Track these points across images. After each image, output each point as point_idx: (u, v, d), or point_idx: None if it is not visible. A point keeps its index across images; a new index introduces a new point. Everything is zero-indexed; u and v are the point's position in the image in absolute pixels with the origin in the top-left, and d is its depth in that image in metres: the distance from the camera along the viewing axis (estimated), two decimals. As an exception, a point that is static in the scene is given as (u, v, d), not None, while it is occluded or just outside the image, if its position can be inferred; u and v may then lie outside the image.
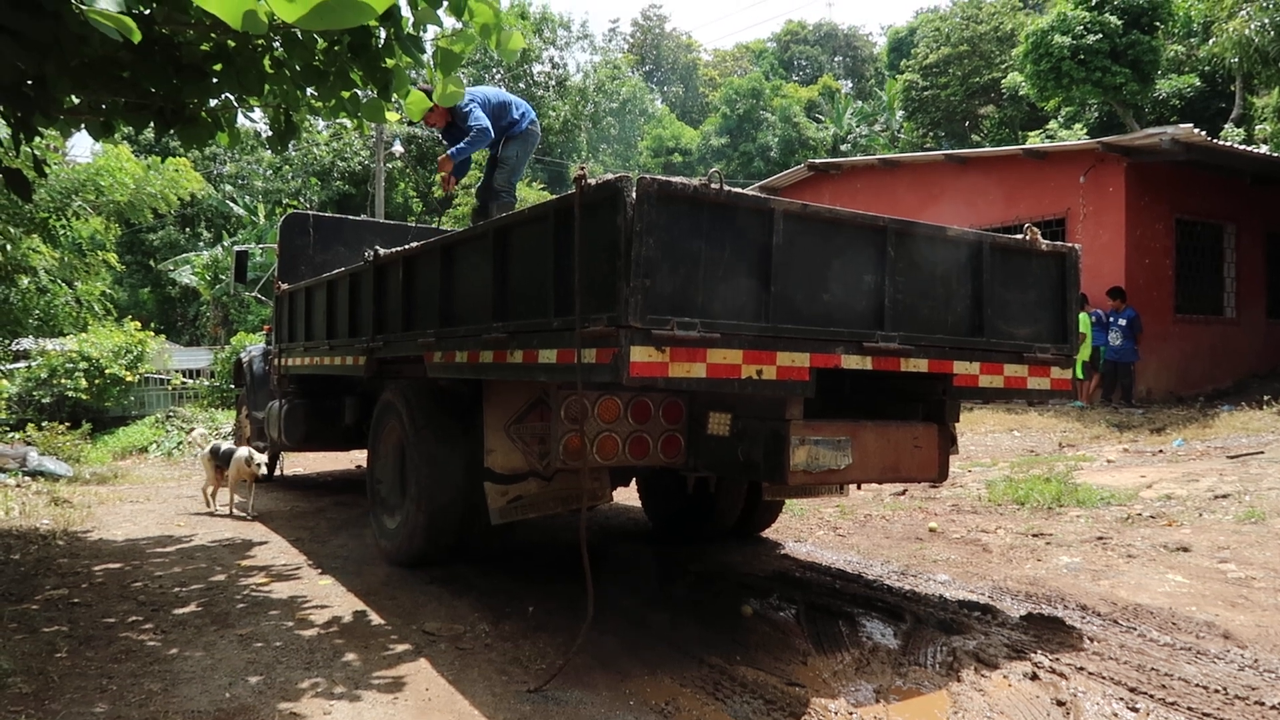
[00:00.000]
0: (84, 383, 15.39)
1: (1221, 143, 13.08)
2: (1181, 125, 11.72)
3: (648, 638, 3.93)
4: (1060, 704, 3.18)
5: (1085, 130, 21.67)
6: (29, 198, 4.17)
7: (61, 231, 8.98)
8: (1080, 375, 11.61)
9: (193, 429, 14.82)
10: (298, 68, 3.81)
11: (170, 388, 18.81)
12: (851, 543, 6.04)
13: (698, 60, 58.28)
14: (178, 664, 3.57)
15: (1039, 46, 19.62)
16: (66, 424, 13.25)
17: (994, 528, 6.30)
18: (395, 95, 4.00)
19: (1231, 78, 20.17)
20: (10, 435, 12.33)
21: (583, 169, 3.28)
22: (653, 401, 4.09)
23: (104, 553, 5.83)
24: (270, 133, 4.50)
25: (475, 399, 4.55)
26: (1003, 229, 11.65)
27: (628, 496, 6.73)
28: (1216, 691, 3.26)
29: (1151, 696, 3.22)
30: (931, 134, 32.36)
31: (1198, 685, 3.32)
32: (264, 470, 6.90)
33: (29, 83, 3.31)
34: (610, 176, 3.07)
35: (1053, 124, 22.89)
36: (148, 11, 3.25)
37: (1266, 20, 14.73)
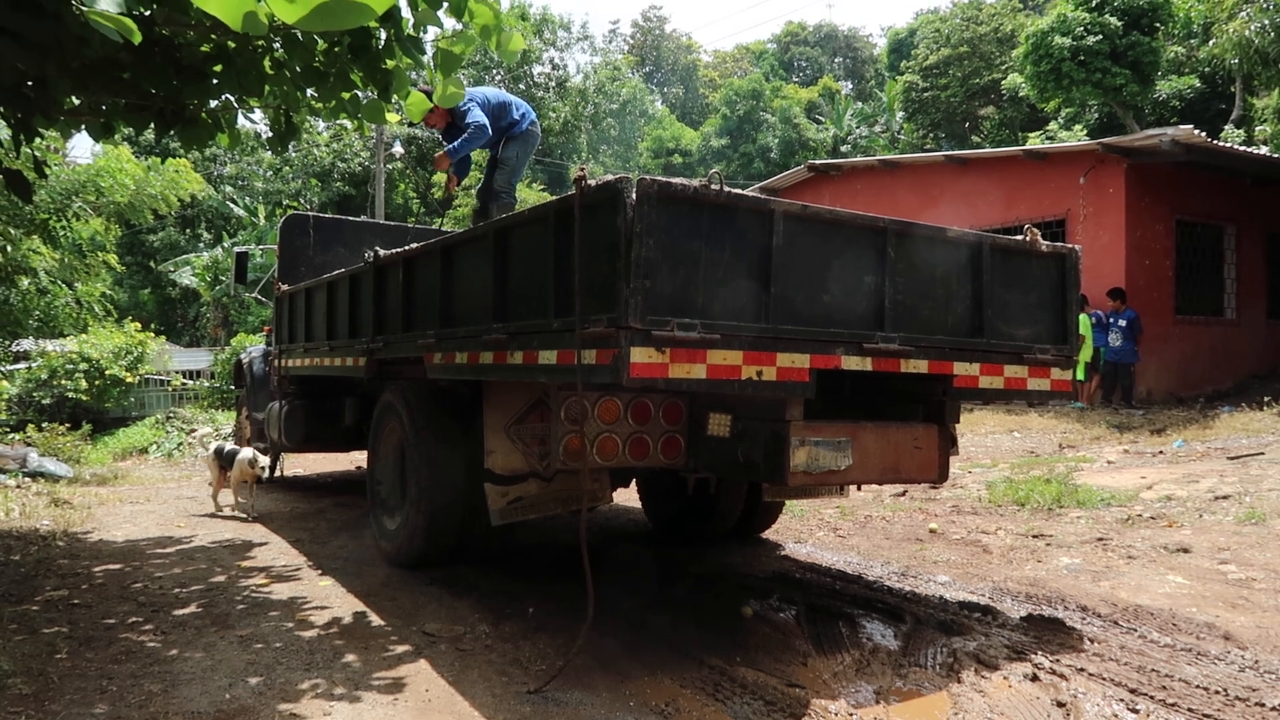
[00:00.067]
0: (84, 384, 15.39)
1: (1222, 144, 13.08)
2: (1181, 126, 11.72)
3: (648, 639, 3.93)
4: (1060, 705, 3.17)
5: (1085, 131, 21.67)
6: (29, 199, 4.17)
7: (62, 232, 8.99)
8: (1081, 376, 11.61)
9: (194, 430, 14.81)
10: (298, 69, 3.81)
11: (170, 389, 18.82)
12: (852, 544, 6.03)
13: (698, 61, 58.32)
14: (178, 665, 3.57)
15: (1039, 48, 19.62)
16: (66, 425, 13.25)
17: (994, 529, 6.30)
18: (395, 96, 4.00)
19: (1231, 79, 20.18)
20: (10, 436, 12.33)
21: (583, 170, 3.28)
22: (653, 402, 4.09)
23: (104, 554, 5.83)
24: (270, 134, 4.50)
25: (475, 400, 4.55)
26: (1003, 230, 11.65)
27: (628, 497, 6.72)
28: (1217, 693, 3.26)
29: (1152, 698, 3.22)
30: (931, 135, 32.36)
31: (1198, 686, 3.32)
32: (266, 472, 6.89)
33: (29, 84, 3.31)
34: (610, 177, 3.07)
35: (1053, 125, 22.89)
36: (148, 13, 3.25)
37: (1266, 21, 14.74)
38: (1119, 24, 19.12)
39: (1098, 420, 11.20)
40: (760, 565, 5.37)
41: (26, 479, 9.60)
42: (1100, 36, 18.98)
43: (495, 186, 6.91)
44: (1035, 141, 20.32)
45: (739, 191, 3.39)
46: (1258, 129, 18.93)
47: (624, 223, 2.97)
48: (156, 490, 9.35)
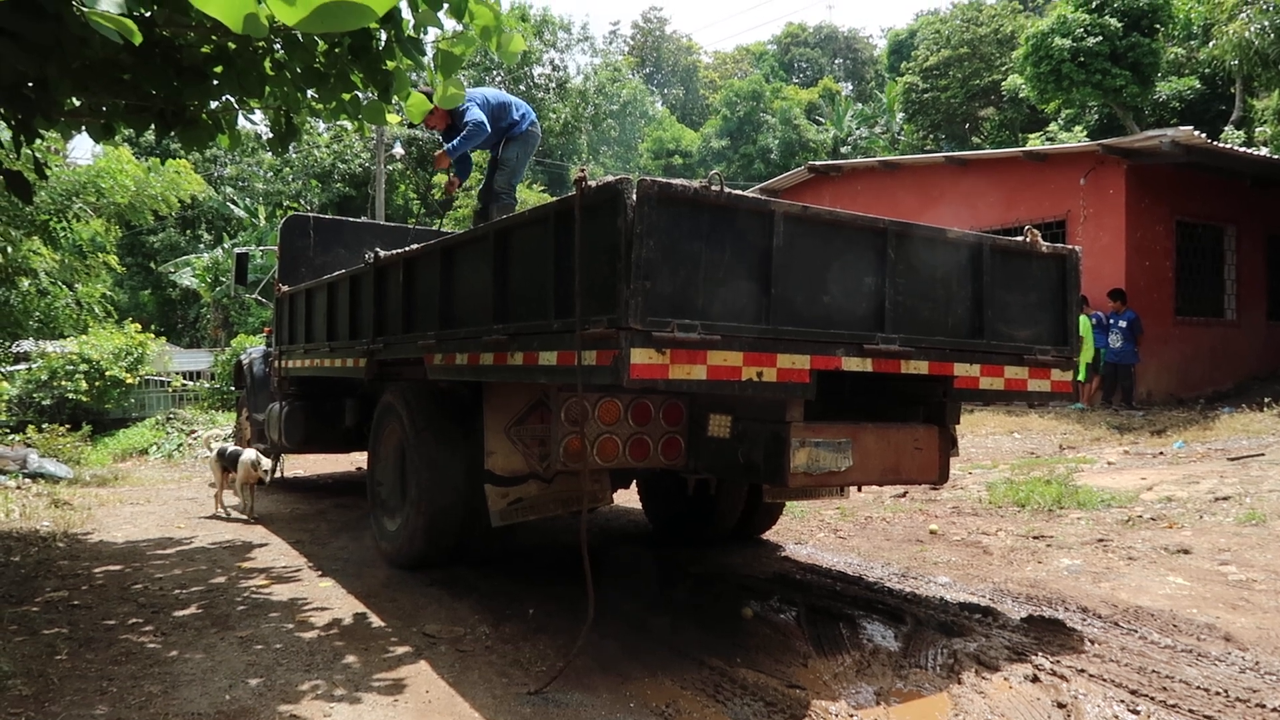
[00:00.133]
0: (84, 385, 15.40)
1: (1222, 145, 13.08)
2: (1181, 127, 11.72)
3: (648, 640, 3.92)
4: (1061, 706, 3.17)
5: (1085, 132, 21.67)
6: (29, 200, 4.17)
7: (62, 233, 8.98)
8: (1081, 377, 11.61)
9: (194, 431, 14.81)
10: (298, 70, 3.81)
11: (170, 390, 18.82)
12: (852, 545, 6.03)
13: (698, 62, 58.32)
14: (178, 666, 3.57)
15: (1039, 49, 19.62)
16: (67, 426, 13.26)
17: (994, 530, 6.30)
18: (396, 97, 4.00)
19: (1231, 80, 20.18)
20: (10, 437, 12.33)
21: (583, 171, 3.28)
22: (653, 403, 4.09)
23: (104, 555, 5.83)
24: (271, 135, 4.50)
25: (476, 401, 4.55)
26: (1003, 231, 11.65)
27: (628, 499, 6.72)
28: (1217, 694, 3.26)
29: (1152, 699, 3.22)
30: (932, 136, 32.36)
31: (1199, 687, 3.32)
32: (269, 475, 6.90)
33: (30, 85, 3.31)
34: (610, 178, 3.07)
35: (1053, 126, 22.88)
36: (148, 14, 3.25)
37: (1266, 23, 14.74)
38: (1119, 25, 19.13)
39: (1098, 421, 11.20)
40: (760, 566, 5.37)
41: (27, 480, 9.60)
42: (1100, 38, 18.98)
43: (495, 187, 6.92)
44: (1035, 143, 20.29)
45: (739, 192, 3.39)
46: (1258, 130, 18.92)
47: (624, 224, 2.97)
48: (156, 491, 9.35)
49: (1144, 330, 12.06)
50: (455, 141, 6.46)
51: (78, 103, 4.08)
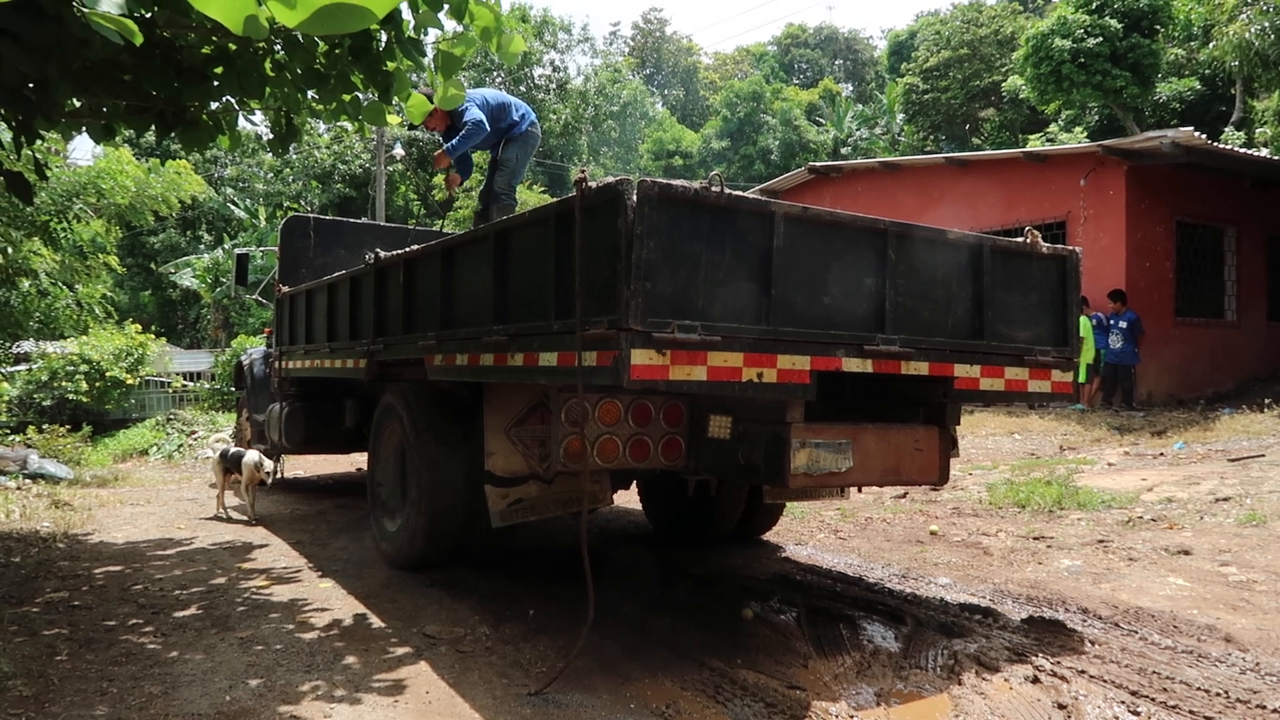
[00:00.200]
0: (84, 385, 15.39)
1: (1222, 146, 13.08)
2: (1182, 128, 11.72)
3: (648, 641, 3.92)
4: (1061, 707, 3.17)
5: (1085, 133, 21.66)
6: (30, 200, 4.18)
7: (62, 234, 8.99)
8: (1082, 378, 11.60)
9: (194, 432, 14.81)
10: (299, 71, 3.81)
11: (171, 390, 18.82)
12: (852, 546, 6.03)
13: (698, 63, 58.31)
14: (178, 667, 3.57)
15: (1039, 50, 19.61)
16: (67, 427, 13.25)
17: (995, 531, 6.30)
18: (396, 98, 4.00)
19: (1231, 81, 20.17)
20: (11, 438, 12.33)
21: (583, 172, 3.29)
22: (653, 404, 4.09)
23: (104, 555, 5.83)
24: (271, 135, 4.51)
25: (476, 402, 4.55)
26: (1003, 232, 11.67)
27: (628, 499, 6.72)
28: (1218, 695, 3.26)
29: (1153, 700, 3.22)
30: (932, 137, 32.36)
31: (1199, 689, 3.32)
32: (271, 477, 6.90)
33: (30, 86, 3.31)
34: (611, 179, 3.07)
35: (1053, 127, 22.88)
36: (149, 15, 3.25)
37: (1266, 24, 14.74)
38: (1119, 26, 19.12)
39: (1098, 422, 11.19)
40: (761, 567, 5.37)
41: (27, 481, 9.60)
42: (1100, 39, 18.97)
43: (496, 188, 6.92)
44: (1035, 143, 20.30)
45: (739, 193, 3.39)
46: (1258, 131, 18.92)
47: (624, 225, 2.97)
48: (157, 492, 9.35)
49: (1145, 331, 12.06)
50: (454, 140, 6.47)
51: (78, 104, 4.08)
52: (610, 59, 46.86)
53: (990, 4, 32.21)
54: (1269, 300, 14.44)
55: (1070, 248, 4.37)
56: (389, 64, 3.82)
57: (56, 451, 11.54)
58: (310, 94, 4.04)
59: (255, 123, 4.80)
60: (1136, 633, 4.01)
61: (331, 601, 4.63)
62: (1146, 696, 3.25)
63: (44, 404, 15.34)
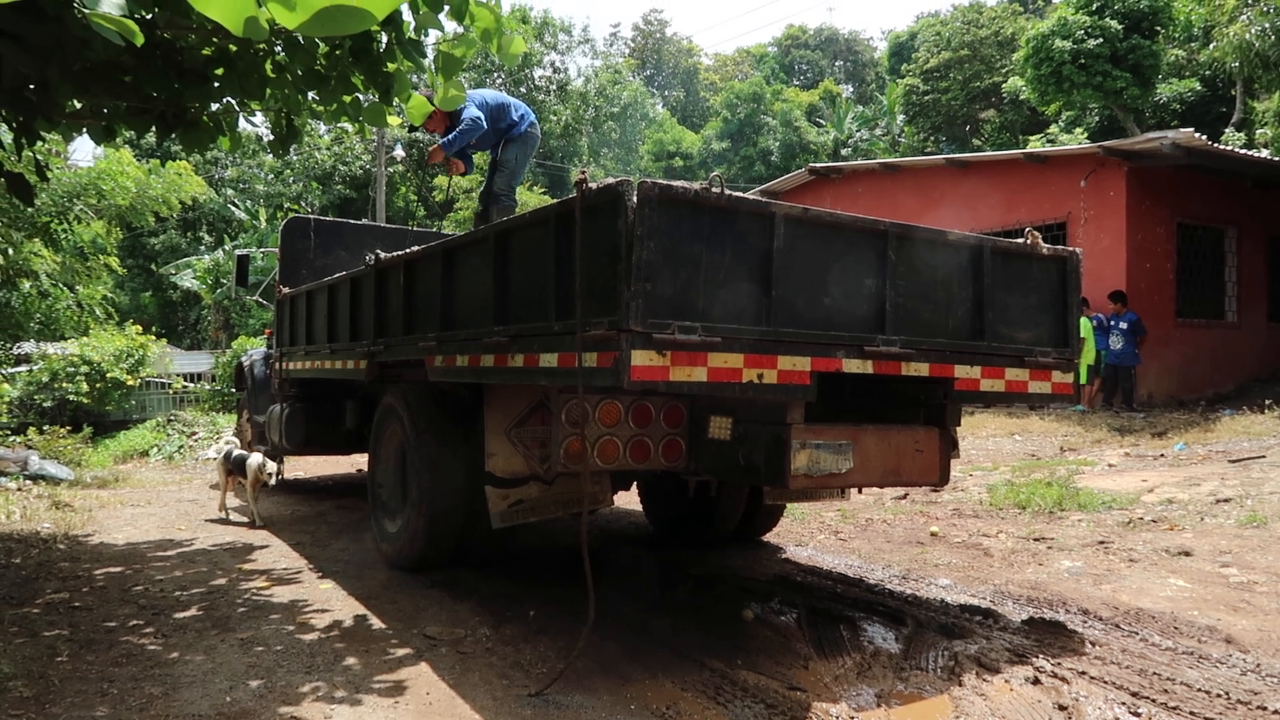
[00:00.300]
0: (85, 386, 15.38)
1: (1222, 147, 13.08)
2: (1182, 129, 11.72)
3: (649, 642, 3.92)
4: (1062, 708, 3.17)
5: (1086, 134, 21.67)
6: (31, 202, 4.18)
7: (63, 235, 8.99)
8: (1083, 379, 11.60)
9: (195, 433, 14.81)
10: (299, 72, 3.82)
11: (171, 392, 18.81)
12: (852, 547, 6.03)
13: (699, 65, 58.32)
14: (178, 668, 3.57)
15: (1039, 51, 19.62)
16: (67, 428, 13.25)
17: (995, 532, 6.29)
18: (397, 99, 4.01)
19: (1232, 82, 20.17)
20: (11, 439, 12.33)
21: (584, 173, 3.29)
22: (654, 405, 4.09)
23: (105, 556, 5.83)
24: (272, 137, 4.51)
25: (476, 403, 4.55)
26: (1003, 233, 11.67)
27: (629, 500, 6.72)
28: (1219, 696, 3.26)
29: (1153, 701, 3.22)
30: (932, 138, 32.37)
31: (1200, 690, 3.31)
32: (273, 479, 6.90)
33: (31, 87, 3.32)
34: (611, 180, 3.07)
35: (1053, 128, 22.88)
36: (149, 16, 3.26)
37: (1267, 25, 14.74)
38: (1119, 27, 19.12)
39: (1099, 423, 11.19)
40: (761, 568, 5.37)
41: (28, 482, 9.60)
42: (1101, 40, 18.98)
43: (495, 189, 6.93)
44: (1036, 144, 20.30)
45: (740, 194, 3.39)
46: (1258, 132, 18.92)
47: (625, 226, 2.97)
48: (157, 493, 9.35)
49: (1147, 331, 12.06)
50: (451, 135, 6.48)
51: (79, 105, 4.08)
52: (610, 60, 46.90)
53: (990, 5, 32.23)
54: (1269, 301, 14.43)
55: (1070, 249, 4.37)
56: (389, 65, 3.82)
57: (57, 453, 11.54)
58: (311, 95, 4.05)
59: (256, 124, 4.80)
60: (1137, 634, 4.01)
61: (332, 602, 4.63)
62: (1147, 698, 3.25)
63: (45, 405, 15.34)
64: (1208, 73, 20.88)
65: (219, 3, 1.95)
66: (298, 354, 7.21)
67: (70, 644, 3.87)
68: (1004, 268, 4.06)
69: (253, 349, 11.66)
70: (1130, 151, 12.17)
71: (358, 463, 10.39)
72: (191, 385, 19.57)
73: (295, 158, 30.32)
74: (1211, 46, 17.32)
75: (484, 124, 6.49)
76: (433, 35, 3.80)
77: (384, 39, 3.74)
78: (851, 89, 51.25)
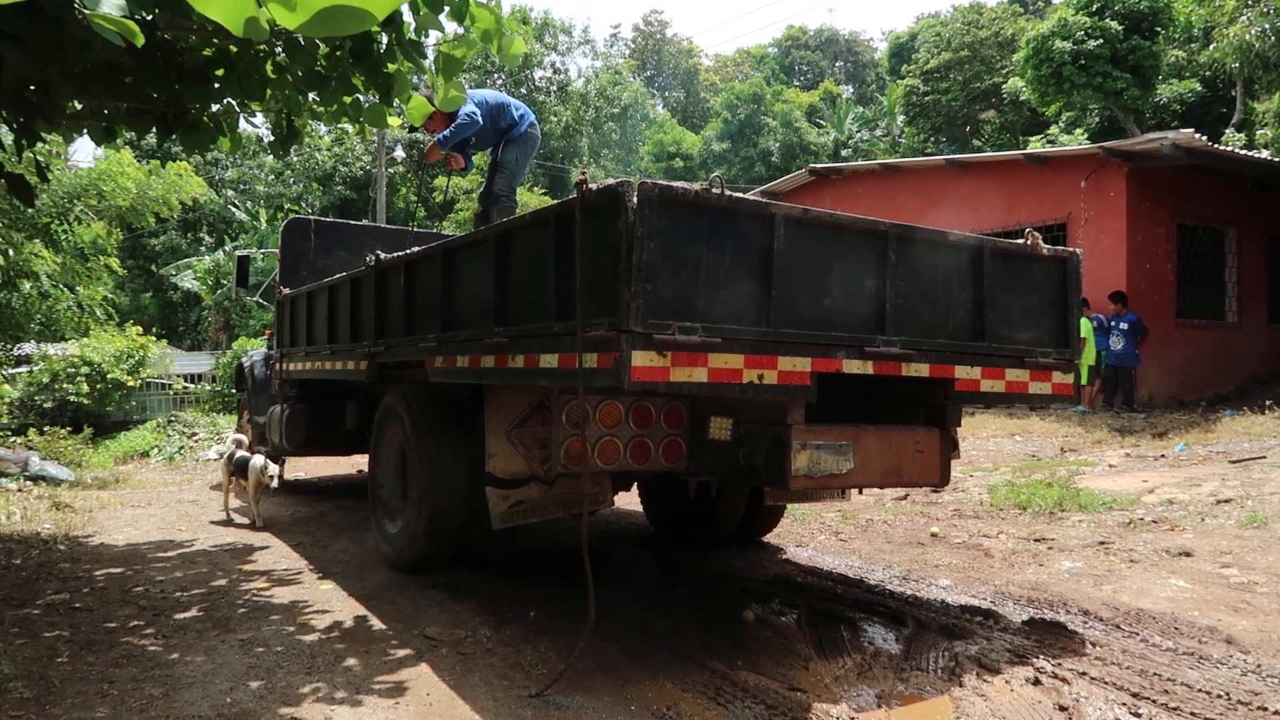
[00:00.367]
0: (85, 387, 15.39)
1: (1222, 147, 13.08)
2: (1182, 130, 11.72)
3: (649, 642, 3.92)
4: (1063, 709, 3.17)
5: (1086, 135, 21.67)
6: (31, 203, 4.18)
7: (63, 236, 9.00)
8: (1084, 380, 11.60)
9: (195, 434, 14.81)
10: (300, 73, 3.82)
11: (172, 392, 18.81)
12: (853, 547, 6.03)
13: (699, 65, 58.32)
14: (179, 669, 3.57)
15: (1040, 52, 19.62)
16: (68, 429, 13.24)
17: (996, 532, 6.29)
18: (397, 100, 4.01)
19: (1232, 83, 20.17)
20: (12, 440, 12.33)
21: (584, 174, 3.29)
22: (654, 406, 4.09)
23: (105, 557, 5.83)
24: (272, 138, 4.51)
25: (476, 403, 4.55)
26: (1004, 234, 11.67)
27: (629, 501, 6.72)
28: (1219, 697, 3.26)
29: (1154, 701, 3.22)
30: (932, 139, 32.37)
31: (1200, 690, 3.31)
32: (275, 481, 6.90)
33: (31, 88, 3.32)
34: (611, 181, 3.07)
35: (1053, 129, 22.89)
36: (150, 16, 3.26)
37: (1267, 26, 14.74)
38: (1119, 28, 19.12)
39: (1099, 424, 11.19)
40: (761, 569, 5.37)
41: (28, 482, 9.60)
42: (1101, 40, 18.97)
43: (496, 190, 6.93)
44: (1036, 145, 20.31)
45: (740, 195, 3.39)
46: (1258, 133, 18.92)
47: (625, 226, 2.97)
48: (158, 494, 9.35)
49: (1149, 331, 12.05)
50: (447, 131, 6.48)
51: (79, 106, 4.09)
52: (611, 61, 46.91)
53: (991, 6, 32.23)
54: (1270, 302, 14.44)
55: (1071, 249, 4.37)
56: (390, 66, 3.83)
57: (57, 453, 11.54)
58: (311, 96, 4.05)
59: (256, 125, 4.80)
60: (1138, 634, 4.01)
61: (332, 603, 4.63)
62: (1148, 698, 3.25)
63: (45, 406, 15.34)
64: (1208, 73, 20.88)
65: (219, 3, 1.94)
66: (298, 355, 7.21)
67: (70, 645, 3.87)
68: (1004, 268, 4.06)
69: (253, 350, 11.66)
70: (1130, 152, 12.17)
71: (358, 463, 10.39)
72: (192, 386, 19.58)
73: (296, 159, 30.34)
74: (1212, 47, 17.33)
75: (479, 119, 6.50)
76: (433, 36, 3.80)
77: (384, 40, 3.75)
78: (852, 90, 51.26)
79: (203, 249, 29.07)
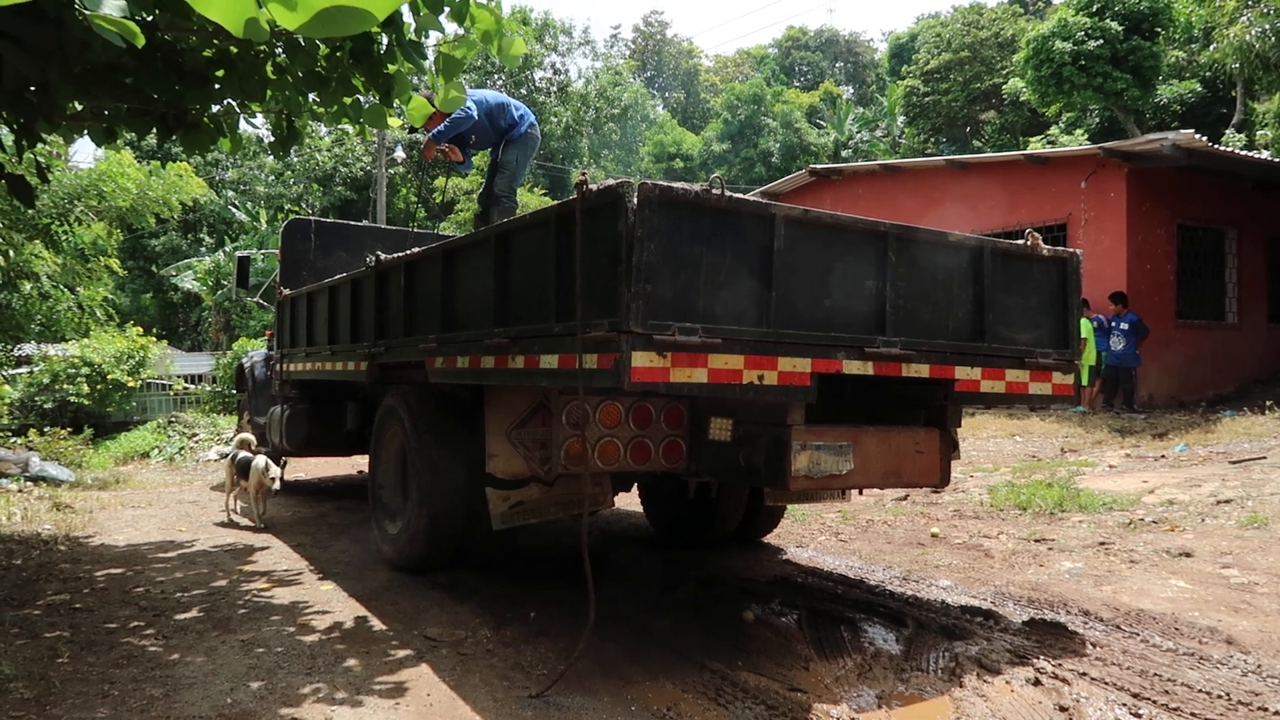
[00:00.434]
0: (86, 388, 15.39)
1: (1222, 148, 13.09)
2: (1182, 131, 11.72)
3: (649, 643, 3.92)
4: (1063, 710, 3.17)
5: (1086, 136, 21.68)
6: (31, 203, 4.18)
7: (64, 237, 8.99)
8: (1084, 381, 11.60)
9: (195, 434, 14.81)
10: (300, 74, 3.82)
11: (172, 393, 18.82)
12: (853, 548, 6.03)
13: (699, 66, 58.33)
14: (179, 669, 3.57)
15: (1040, 52, 19.62)
16: (68, 429, 13.25)
17: (996, 533, 6.29)
18: (397, 101, 4.01)
19: (1232, 83, 20.17)
20: (12, 440, 12.34)
21: (584, 174, 3.29)
22: (654, 406, 4.09)
23: (105, 558, 5.83)
24: (272, 138, 4.51)
25: (477, 404, 4.55)
26: (1004, 234, 11.67)
27: (629, 502, 6.72)
28: (1219, 697, 3.25)
29: (1154, 702, 3.22)
30: (933, 139, 32.37)
31: (1201, 691, 3.31)
32: (276, 482, 6.90)
33: (32, 89, 3.32)
34: (611, 182, 3.08)
35: (1054, 129, 22.89)
36: (150, 17, 3.26)
37: (1267, 26, 14.74)
38: (1120, 29, 19.13)
39: (1099, 424, 11.19)
40: (762, 569, 5.37)
41: (28, 483, 9.60)
42: (1101, 41, 18.98)
43: (496, 191, 6.93)
44: (1036, 146, 20.31)
45: (740, 196, 3.39)
46: (1259, 133, 18.92)
47: (625, 227, 2.97)
48: (158, 494, 9.35)
49: (1149, 330, 12.05)
50: (441, 126, 6.48)
51: (79, 106, 4.09)
52: (611, 62, 46.91)
53: (991, 6, 32.24)
54: (1270, 302, 14.44)
55: (1071, 250, 4.37)
56: (390, 67, 3.83)
57: (58, 454, 11.55)
58: (311, 97, 4.05)
59: (256, 125, 4.81)
60: (1138, 635, 4.01)
61: (332, 604, 4.63)
62: (1148, 699, 3.24)
63: (45, 407, 15.34)
64: (1208, 74, 20.88)
65: (219, 4, 1.95)
66: (298, 355, 7.21)
67: (71, 645, 3.87)
68: (1004, 269, 4.06)
69: (253, 350, 11.66)
70: (1131, 153, 12.17)
71: (358, 464, 10.39)
72: (192, 387, 19.58)
73: (296, 159, 30.34)
74: (1212, 48, 17.32)
75: (474, 114, 6.50)
76: (433, 37, 3.81)
77: (384, 40, 3.75)
78: (852, 90, 51.26)
79: (203, 250, 29.07)
